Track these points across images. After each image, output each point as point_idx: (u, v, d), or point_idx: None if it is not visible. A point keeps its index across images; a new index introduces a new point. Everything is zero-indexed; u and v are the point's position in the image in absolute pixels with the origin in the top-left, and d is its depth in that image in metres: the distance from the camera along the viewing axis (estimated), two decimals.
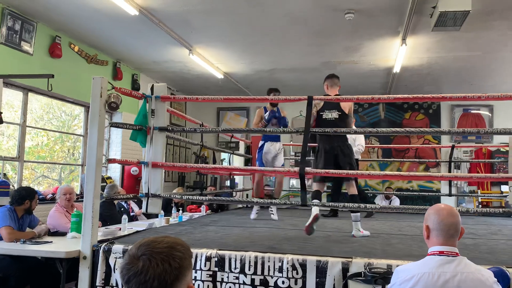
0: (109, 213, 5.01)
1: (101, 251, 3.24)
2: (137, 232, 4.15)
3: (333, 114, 4.45)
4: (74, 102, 7.00)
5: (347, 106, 4.48)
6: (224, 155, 10.48)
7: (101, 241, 3.37)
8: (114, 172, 7.89)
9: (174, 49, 6.99)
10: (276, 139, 5.79)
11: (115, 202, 5.59)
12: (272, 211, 5.83)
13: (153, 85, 3.83)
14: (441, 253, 1.84)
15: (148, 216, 5.67)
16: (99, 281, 3.20)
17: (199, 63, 7.56)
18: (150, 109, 3.76)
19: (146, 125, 3.74)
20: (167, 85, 10.06)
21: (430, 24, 5.38)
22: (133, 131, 3.75)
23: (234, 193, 8.17)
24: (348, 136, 5.01)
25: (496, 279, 1.86)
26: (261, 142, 5.76)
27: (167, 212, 5.72)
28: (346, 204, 3.78)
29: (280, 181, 5.99)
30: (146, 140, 3.74)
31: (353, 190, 4.47)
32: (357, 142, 6.34)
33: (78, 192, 6.75)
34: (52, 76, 4.56)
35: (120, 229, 4.23)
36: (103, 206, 3.55)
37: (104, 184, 6.09)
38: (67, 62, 6.50)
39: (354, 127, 6.04)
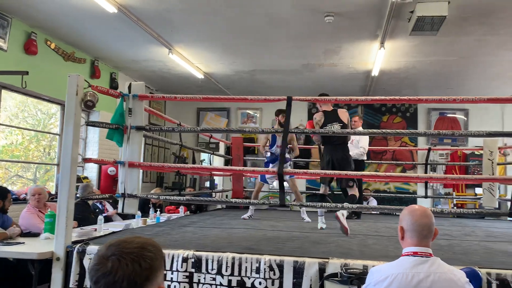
0: (81, 215, 4.88)
1: (75, 252, 3.17)
2: (113, 233, 4.08)
3: (335, 126, 4.79)
4: (50, 100, 6.85)
5: (345, 118, 4.89)
6: (204, 156, 10.42)
7: (75, 242, 3.30)
8: (91, 172, 7.76)
9: (154, 48, 6.92)
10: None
11: (90, 203, 5.48)
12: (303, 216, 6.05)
13: (130, 84, 3.78)
14: (415, 254, 1.87)
15: (124, 216, 5.58)
16: (72, 283, 3.13)
17: (179, 63, 7.50)
18: (127, 108, 3.70)
19: (123, 124, 3.68)
20: (146, 85, 9.98)
21: (408, 29, 5.46)
22: (109, 130, 3.68)
23: (213, 194, 8.13)
24: (352, 137, 5.84)
25: (468, 279, 1.90)
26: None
27: (145, 213, 5.65)
28: (323, 204, 3.79)
29: (295, 190, 5.94)
30: (122, 139, 3.69)
31: (354, 192, 4.77)
32: (360, 144, 6.42)
33: (53, 192, 6.60)
34: (27, 73, 4.45)
35: (95, 229, 4.15)
36: (75, 207, 3.47)
37: (80, 184, 5.97)
38: (43, 59, 6.35)
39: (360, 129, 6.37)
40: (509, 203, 4.09)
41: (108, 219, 5.62)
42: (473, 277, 2.59)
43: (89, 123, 4.29)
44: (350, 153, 5.74)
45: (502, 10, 5.15)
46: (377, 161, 9.51)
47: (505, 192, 8.91)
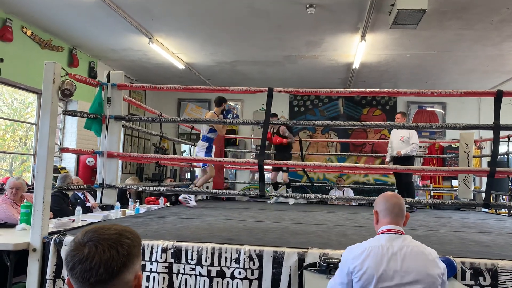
0: (59, 207, 4.81)
1: (52, 243, 3.13)
2: (91, 224, 4.03)
3: None
4: (26, 89, 6.69)
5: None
6: (184, 147, 10.35)
7: (52, 233, 3.25)
8: (69, 162, 7.63)
9: (133, 37, 6.81)
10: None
11: (69, 194, 5.40)
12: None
13: (109, 73, 3.72)
14: (389, 231, 2.02)
15: (104, 209, 5.51)
16: (49, 274, 3.09)
17: (159, 52, 7.40)
18: (106, 97, 3.65)
19: (101, 113, 3.63)
20: (126, 74, 9.81)
21: (388, 22, 5.51)
22: (87, 119, 3.63)
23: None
24: (403, 134, 6.40)
25: (438, 256, 2.04)
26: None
27: (124, 204, 5.59)
28: (303, 194, 3.82)
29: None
30: (101, 129, 3.64)
31: None
32: (412, 140, 6.47)
33: (30, 183, 6.47)
34: (1, 60, 4.33)
35: (73, 220, 4.09)
36: (52, 199, 3.42)
37: (58, 174, 5.87)
38: (19, 47, 6.18)
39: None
40: (483, 195, 4.21)
41: (89, 210, 5.55)
42: (448, 266, 2.66)
43: (67, 112, 4.20)
44: (402, 151, 6.33)
45: (478, 5, 5.24)
46: (356, 154, 9.64)
47: (480, 184, 9.14)
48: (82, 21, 6.30)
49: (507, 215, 7.67)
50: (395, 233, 2.00)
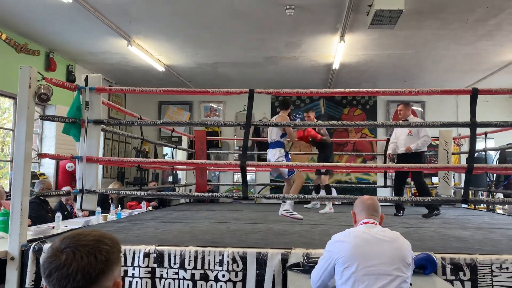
0: (37, 213, 4.70)
1: (30, 251, 3.06)
2: (72, 230, 3.95)
3: None
4: (2, 94, 6.54)
5: None
6: (166, 150, 10.27)
7: (30, 241, 3.19)
8: (48, 168, 7.48)
9: (112, 39, 6.73)
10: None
11: (55, 204, 5.29)
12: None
13: (87, 76, 3.67)
14: (366, 223, 2.24)
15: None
16: (28, 283, 3.02)
17: (138, 55, 7.33)
18: (84, 101, 3.59)
19: (80, 118, 3.57)
20: (105, 78, 9.71)
21: (366, 22, 5.56)
22: (65, 124, 3.56)
23: (176, 188, 8.04)
24: (409, 129, 5.72)
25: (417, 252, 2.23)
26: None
27: (105, 209, 5.51)
28: (286, 195, 3.82)
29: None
30: (80, 133, 3.58)
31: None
32: (422, 133, 5.76)
33: (8, 190, 6.32)
34: None
35: (53, 227, 4.01)
36: (30, 205, 3.34)
37: (36, 181, 5.74)
38: None
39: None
40: (463, 191, 4.29)
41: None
42: (429, 262, 2.70)
43: (44, 117, 4.13)
44: (412, 146, 5.75)
45: (454, 5, 5.34)
46: (338, 153, 9.70)
47: (460, 180, 9.31)
48: (59, 24, 6.19)
49: (485, 210, 7.84)
50: (373, 224, 2.23)
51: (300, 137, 6.30)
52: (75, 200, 5.41)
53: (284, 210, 4.83)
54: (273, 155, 5.09)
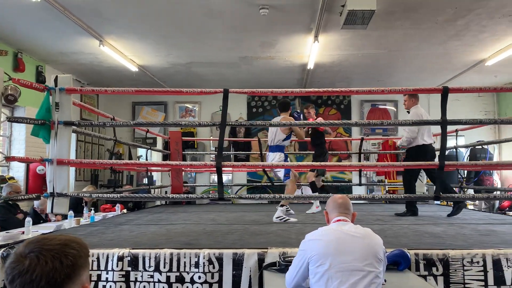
0: (4, 217, 4.55)
1: None
2: (43, 234, 3.84)
3: None
4: None
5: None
6: (141, 152, 10.12)
7: None
8: (18, 172, 7.25)
9: (83, 39, 6.58)
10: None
11: (19, 205, 5.13)
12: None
13: (56, 77, 3.57)
14: (338, 221, 2.27)
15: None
16: None
17: (111, 55, 7.19)
18: (54, 102, 3.50)
19: (49, 119, 3.47)
20: (77, 78, 9.49)
21: (340, 22, 5.61)
22: (34, 126, 3.47)
23: (152, 190, 7.93)
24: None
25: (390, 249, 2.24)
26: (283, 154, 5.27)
27: (78, 213, 5.39)
28: (262, 195, 3.82)
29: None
30: (49, 135, 3.48)
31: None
32: (406, 129, 5.54)
33: None
34: None
35: (23, 232, 3.89)
36: None
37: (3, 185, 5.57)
38: None
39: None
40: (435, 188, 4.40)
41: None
42: (403, 258, 2.74)
43: (11, 119, 4.00)
44: (398, 141, 5.60)
45: (424, 5, 5.45)
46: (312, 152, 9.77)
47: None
48: (27, 24, 6.02)
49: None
50: (344, 222, 2.26)
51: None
52: None
53: (277, 218, 4.89)
54: (272, 159, 5.11)
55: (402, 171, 5.76)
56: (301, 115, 5.53)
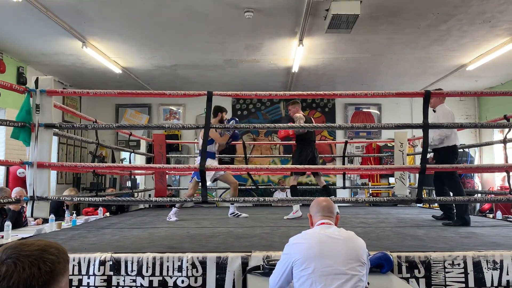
0: None
1: None
2: (23, 239, 3.77)
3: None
4: None
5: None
6: (124, 155, 10.02)
7: None
8: None
9: (65, 40, 6.49)
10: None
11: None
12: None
13: (37, 78, 3.51)
14: (322, 224, 2.28)
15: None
16: None
17: (94, 57, 7.11)
18: (35, 104, 3.44)
19: (30, 121, 3.41)
20: (59, 80, 9.35)
21: (324, 26, 5.66)
22: (14, 128, 3.40)
23: (135, 194, 7.85)
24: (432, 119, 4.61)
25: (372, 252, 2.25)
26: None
27: (59, 216, 5.29)
28: (245, 198, 3.82)
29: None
30: (30, 138, 3.42)
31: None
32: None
33: None
34: None
35: (2, 236, 3.81)
36: None
37: None
38: None
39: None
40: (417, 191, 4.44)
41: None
42: (385, 260, 2.76)
43: None
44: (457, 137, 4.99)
45: (407, 10, 5.52)
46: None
47: (415, 180, 9.63)
48: (8, 24, 5.91)
49: (439, 209, 8.14)
50: (328, 225, 2.27)
51: (282, 137, 6.17)
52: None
53: (231, 214, 5.76)
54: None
55: (442, 177, 5.09)
56: (235, 121, 5.49)
